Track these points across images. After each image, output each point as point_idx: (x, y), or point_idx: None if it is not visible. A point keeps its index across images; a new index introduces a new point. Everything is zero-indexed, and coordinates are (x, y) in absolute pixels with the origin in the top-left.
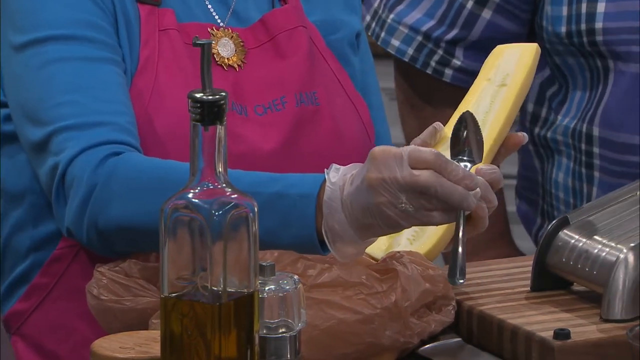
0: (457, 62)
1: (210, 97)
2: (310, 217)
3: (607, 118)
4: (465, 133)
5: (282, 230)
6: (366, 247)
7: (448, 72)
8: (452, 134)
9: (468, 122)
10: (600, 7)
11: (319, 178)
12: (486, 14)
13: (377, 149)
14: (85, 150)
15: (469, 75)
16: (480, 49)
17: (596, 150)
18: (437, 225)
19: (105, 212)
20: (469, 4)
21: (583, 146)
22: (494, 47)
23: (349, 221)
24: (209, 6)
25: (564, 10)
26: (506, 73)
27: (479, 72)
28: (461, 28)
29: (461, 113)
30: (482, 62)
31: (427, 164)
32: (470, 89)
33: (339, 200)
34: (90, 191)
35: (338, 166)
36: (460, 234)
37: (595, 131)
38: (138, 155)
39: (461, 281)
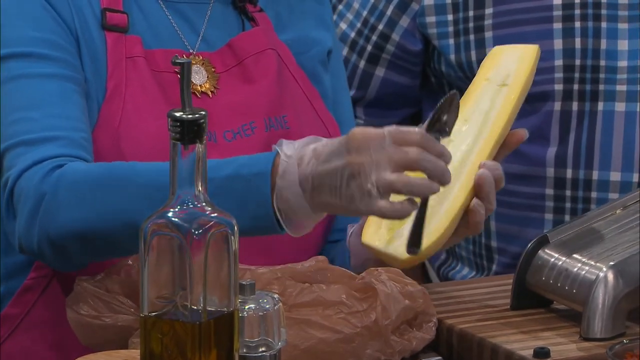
0: (360, 121)
1: (190, 116)
2: (266, 195)
3: None
4: (446, 113)
5: (240, 212)
6: (319, 219)
7: None
8: (434, 112)
9: (453, 102)
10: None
11: (270, 155)
12: (379, 71)
13: (357, 131)
14: (35, 164)
15: None
16: (379, 106)
17: None
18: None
19: (55, 221)
20: (362, 64)
21: None
22: (391, 102)
23: (305, 196)
24: (179, 32)
25: (453, 59)
26: (507, 73)
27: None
28: (357, 88)
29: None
30: (383, 118)
31: (413, 144)
32: (468, 88)
33: (296, 174)
34: (39, 202)
35: (289, 140)
36: (421, 211)
37: None
38: (84, 162)
39: (417, 250)
